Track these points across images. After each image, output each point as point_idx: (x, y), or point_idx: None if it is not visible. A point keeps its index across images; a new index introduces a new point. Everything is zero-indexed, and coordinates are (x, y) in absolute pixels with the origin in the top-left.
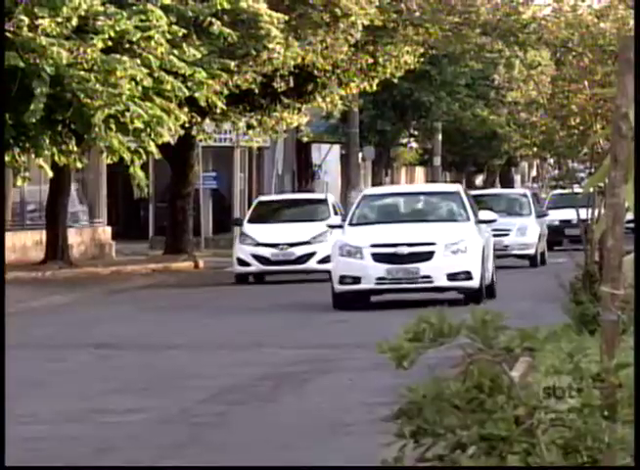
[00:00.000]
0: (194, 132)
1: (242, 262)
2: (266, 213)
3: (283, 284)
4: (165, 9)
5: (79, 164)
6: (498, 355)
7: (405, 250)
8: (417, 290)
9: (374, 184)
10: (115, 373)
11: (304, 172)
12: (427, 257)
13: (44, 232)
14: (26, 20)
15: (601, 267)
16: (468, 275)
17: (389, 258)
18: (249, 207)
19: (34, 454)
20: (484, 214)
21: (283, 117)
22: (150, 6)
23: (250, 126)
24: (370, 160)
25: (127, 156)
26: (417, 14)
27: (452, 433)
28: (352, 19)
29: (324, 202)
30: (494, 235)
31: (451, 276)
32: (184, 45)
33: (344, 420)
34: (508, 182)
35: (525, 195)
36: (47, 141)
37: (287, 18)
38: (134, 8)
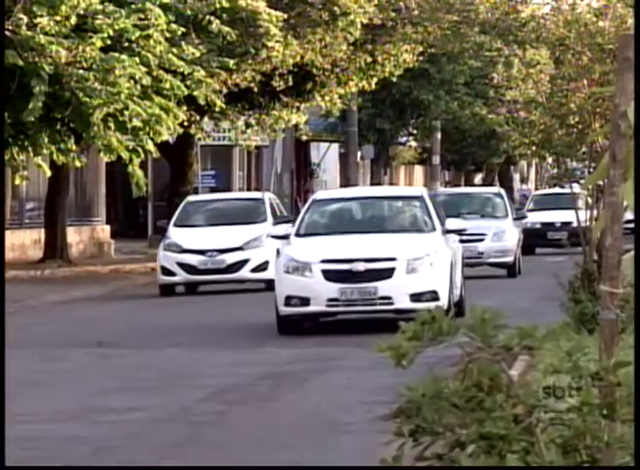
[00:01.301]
0: (193, 131)
1: (166, 272)
2: (194, 216)
3: (216, 295)
4: (164, 7)
5: (78, 163)
6: (497, 354)
7: (361, 266)
8: (375, 312)
9: (372, 183)
10: (115, 372)
11: (303, 171)
12: (386, 274)
13: (43, 231)
14: (25, 18)
15: (600, 266)
16: (434, 295)
17: (343, 276)
18: None
19: (34, 454)
20: (453, 223)
21: (282, 116)
22: (148, 4)
23: (248, 125)
24: (369, 158)
25: (126, 154)
26: (416, 12)
27: (451, 431)
28: (351, 17)
29: (260, 201)
30: (466, 240)
31: (415, 297)
32: (183, 44)
33: (343, 419)
34: (507, 181)
35: (499, 194)
36: (46, 140)
37: (286, 16)
38: (133, 6)
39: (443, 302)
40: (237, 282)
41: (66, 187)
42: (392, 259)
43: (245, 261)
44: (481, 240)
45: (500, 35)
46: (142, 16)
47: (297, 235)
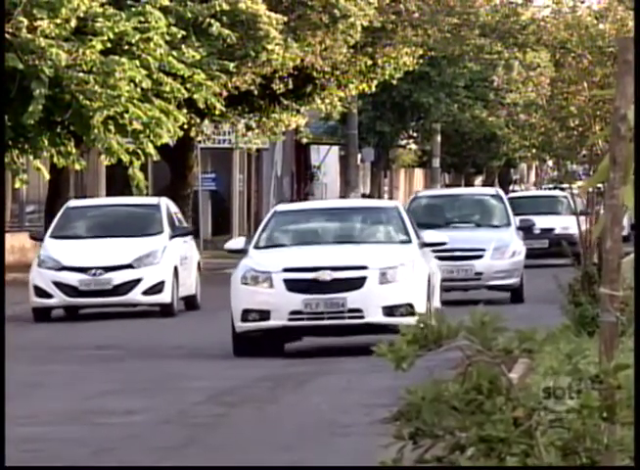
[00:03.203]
0: (193, 134)
1: (41, 292)
2: (76, 225)
3: (103, 321)
4: (164, 10)
5: (78, 166)
6: (497, 357)
7: (328, 275)
8: (343, 328)
9: (373, 186)
10: (114, 374)
11: (303, 174)
12: (356, 284)
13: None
14: (25, 21)
15: (600, 269)
16: (410, 309)
17: (307, 287)
18: (248, 209)
19: (34, 455)
20: (430, 235)
21: (282, 119)
22: (149, 7)
23: (248, 128)
24: (369, 161)
25: (126, 157)
26: (416, 15)
27: (451, 434)
28: (351, 20)
29: (155, 208)
30: (460, 257)
31: (388, 310)
32: (183, 46)
33: (343, 422)
34: (507, 183)
35: (497, 196)
36: (46, 142)
37: (286, 19)
38: (133, 9)
39: None
40: (125, 306)
41: (66, 190)
42: (363, 268)
43: (136, 282)
44: (479, 257)
45: (500, 38)
46: (142, 19)
47: (257, 247)
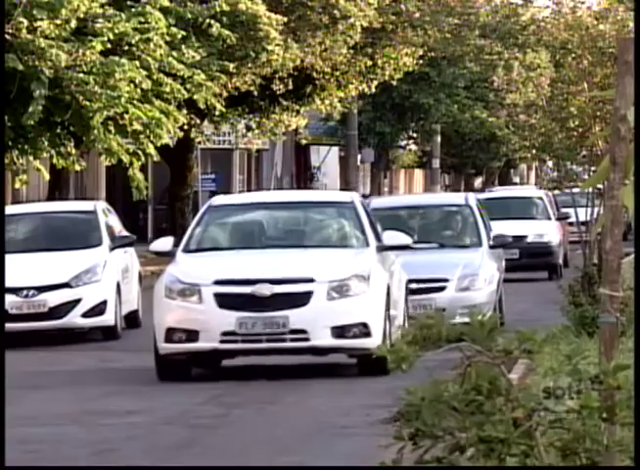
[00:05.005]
0: (193, 134)
1: None
2: (6, 237)
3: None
4: (164, 11)
5: (78, 167)
6: (497, 358)
7: (267, 289)
8: (284, 352)
9: (373, 186)
10: (115, 375)
11: (303, 174)
12: (301, 301)
13: None
14: (25, 22)
15: (600, 269)
16: (364, 329)
17: (243, 303)
18: None
19: (34, 456)
20: (391, 237)
21: (282, 120)
22: (149, 8)
23: (248, 128)
24: (369, 162)
25: (126, 158)
26: (416, 16)
27: (451, 435)
28: (351, 21)
29: (92, 215)
30: (417, 290)
31: (338, 331)
32: (183, 47)
33: (344, 422)
34: (507, 185)
35: (467, 205)
36: (46, 143)
37: (286, 20)
38: (133, 10)
39: (376, 339)
40: (63, 331)
41: (66, 191)
42: (309, 281)
43: (74, 303)
44: (441, 289)
45: (500, 39)
46: (142, 19)
47: (186, 251)
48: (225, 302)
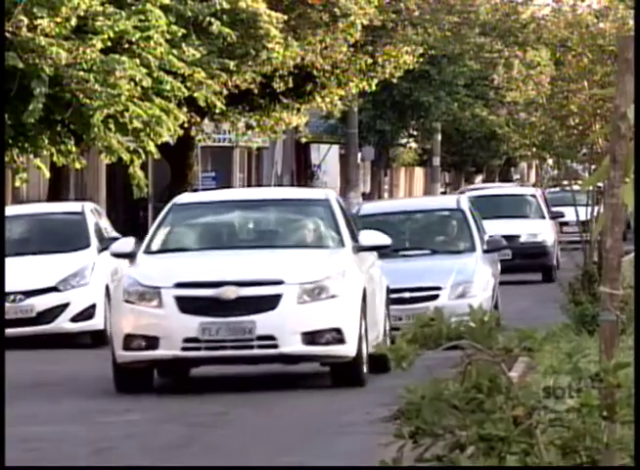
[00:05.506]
0: (193, 132)
1: None
2: None
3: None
4: (165, 9)
5: (78, 165)
6: (497, 356)
7: (232, 292)
8: (252, 360)
9: (373, 184)
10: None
11: (303, 173)
12: (269, 304)
13: None
14: (25, 20)
15: (600, 268)
16: (337, 335)
17: (206, 307)
18: None
19: (34, 455)
20: (369, 237)
21: (282, 118)
22: (149, 6)
23: (249, 126)
24: (369, 160)
25: (126, 156)
26: (416, 14)
27: (451, 433)
28: (351, 19)
29: (79, 217)
30: (408, 300)
31: (309, 337)
32: (183, 45)
33: (343, 421)
34: (508, 182)
35: (459, 210)
36: (46, 141)
37: (286, 17)
38: (133, 8)
39: (350, 346)
40: (51, 336)
41: (66, 189)
42: (278, 283)
43: (62, 307)
44: (434, 298)
45: (501, 37)
46: (142, 17)
47: (148, 252)
48: (187, 306)
